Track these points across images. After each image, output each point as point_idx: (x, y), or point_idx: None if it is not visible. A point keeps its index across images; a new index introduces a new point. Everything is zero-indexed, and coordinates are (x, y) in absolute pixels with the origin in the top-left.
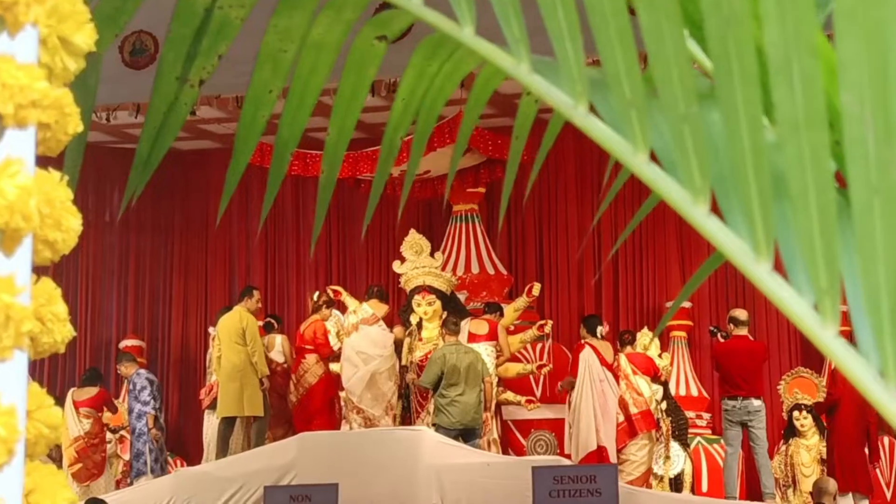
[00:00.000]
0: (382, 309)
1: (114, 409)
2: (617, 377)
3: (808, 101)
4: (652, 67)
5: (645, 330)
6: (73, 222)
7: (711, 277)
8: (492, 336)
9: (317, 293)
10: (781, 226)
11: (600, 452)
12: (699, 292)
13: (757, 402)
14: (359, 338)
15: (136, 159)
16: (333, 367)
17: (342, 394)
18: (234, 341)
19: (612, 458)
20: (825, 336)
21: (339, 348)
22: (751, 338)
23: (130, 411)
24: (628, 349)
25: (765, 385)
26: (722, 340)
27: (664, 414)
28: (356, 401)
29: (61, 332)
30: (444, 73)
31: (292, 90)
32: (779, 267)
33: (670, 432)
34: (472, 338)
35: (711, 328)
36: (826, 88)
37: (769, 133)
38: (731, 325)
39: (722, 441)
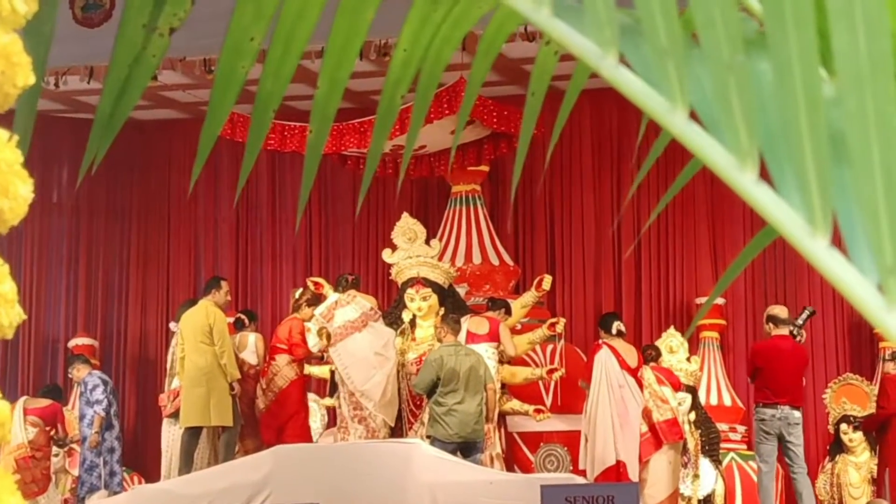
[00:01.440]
0: (372, 301)
1: (63, 430)
2: (641, 383)
3: (872, 48)
4: (692, 10)
5: (671, 331)
6: (23, 189)
7: (748, 270)
8: (493, 336)
9: (299, 290)
10: (841, 194)
11: (619, 468)
12: (733, 287)
13: (797, 414)
14: (370, 336)
15: (97, 119)
16: (313, 370)
17: (334, 401)
18: (200, 340)
19: (633, 476)
20: (892, 322)
21: (322, 349)
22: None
23: (81, 417)
24: (651, 364)
25: (804, 394)
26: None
27: (692, 426)
28: (372, 407)
29: (9, 314)
30: (451, 18)
31: (276, 36)
32: (838, 242)
33: (699, 447)
34: (471, 338)
35: (792, 328)
36: (894, 33)
37: (827, 86)
38: (770, 325)
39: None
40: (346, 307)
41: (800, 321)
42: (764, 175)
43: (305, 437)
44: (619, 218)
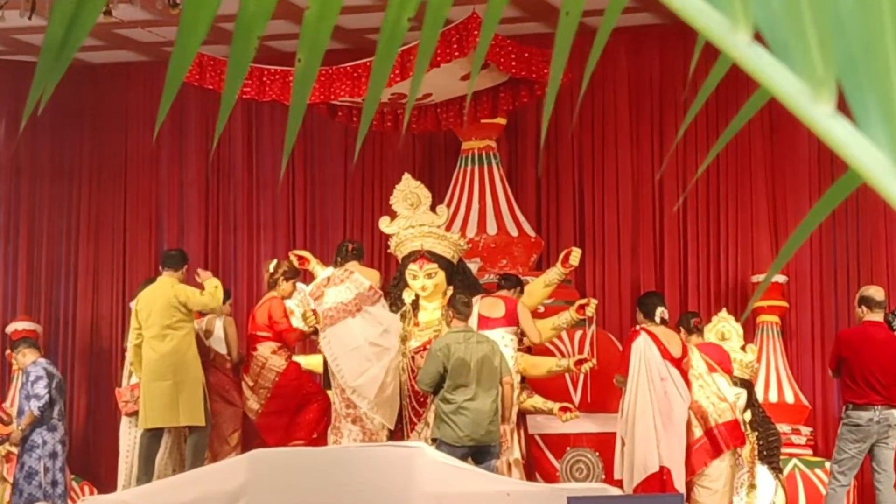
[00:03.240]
0: (375, 276)
1: (6, 420)
2: (686, 375)
3: None
4: None
5: (723, 314)
6: None
7: (815, 243)
8: (510, 319)
9: (273, 263)
10: None
11: (662, 476)
12: (797, 263)
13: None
14: (364, 322)
15: (44, 48)
16: (301, 360)
17: (332, 395)
18: (165, 324)
19: (679, 485)
20: None
21: (311, 330)
22: None
23: (20, 413)
24: (697, 339)
25: None
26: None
27: (748, 427)
28: (366, 407)
29: None
30: None
31: None
32: None
33: (756, 452)
34: (484, 322)
35: (889, 315)
36: None
37: None
38: (864, 308)
39: (828, 465)
40: (340, 286)
41: None
42: (842, 107)
43: (320, 431)
44: (661, 172)
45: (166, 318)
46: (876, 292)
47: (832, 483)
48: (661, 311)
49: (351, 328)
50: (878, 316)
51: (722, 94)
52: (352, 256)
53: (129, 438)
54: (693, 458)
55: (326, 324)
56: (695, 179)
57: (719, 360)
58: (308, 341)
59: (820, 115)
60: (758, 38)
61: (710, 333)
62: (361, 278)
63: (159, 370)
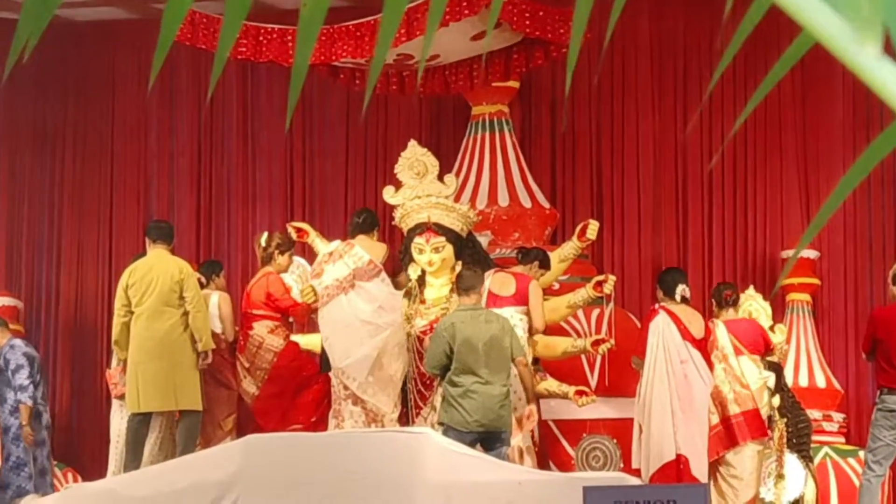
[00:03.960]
0: (379, 250)
1: None
2: (708, 357)
3: None
4: None
5: (750, 292)
6: None
7: (848, 217)
8: (521, 298)
9: (264, 236)
10: None
11: (679, 465)
12: (830, 238)
13: None
14: (357, 299)
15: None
16: (300, 339)
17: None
18: (165, 301)
19: (699, 475)
20: None
21: (309, 304)
22: None
23: (2, 402)
24: (728, 313)
25: None
26: None
27: (777, 413)
28: (356, 389)
29: None
30: None
31: None
32: None
33: (785, 440)
34: (493, 300)
35: None
36: None
37: None
38: None
39: (861, 454)
40: (339, 261)
41: None
42: (889, 51)
43: (319, 415)
44: (686, 131)
45: (167, 295)
46: None
47: (866, 473)
48: (681, 289)
49: (342, 306)
50: None
51: (751, 57)
52: (358, 229)
53: (119, 422)
54: (709, 446)
55: (324, 302)
56: (722, 148)
57: (752, 339)
58: (308, 319)
59: (865, 59)
60: None
61: (741, 308)
62: (361, 252)
63: (155, 350)
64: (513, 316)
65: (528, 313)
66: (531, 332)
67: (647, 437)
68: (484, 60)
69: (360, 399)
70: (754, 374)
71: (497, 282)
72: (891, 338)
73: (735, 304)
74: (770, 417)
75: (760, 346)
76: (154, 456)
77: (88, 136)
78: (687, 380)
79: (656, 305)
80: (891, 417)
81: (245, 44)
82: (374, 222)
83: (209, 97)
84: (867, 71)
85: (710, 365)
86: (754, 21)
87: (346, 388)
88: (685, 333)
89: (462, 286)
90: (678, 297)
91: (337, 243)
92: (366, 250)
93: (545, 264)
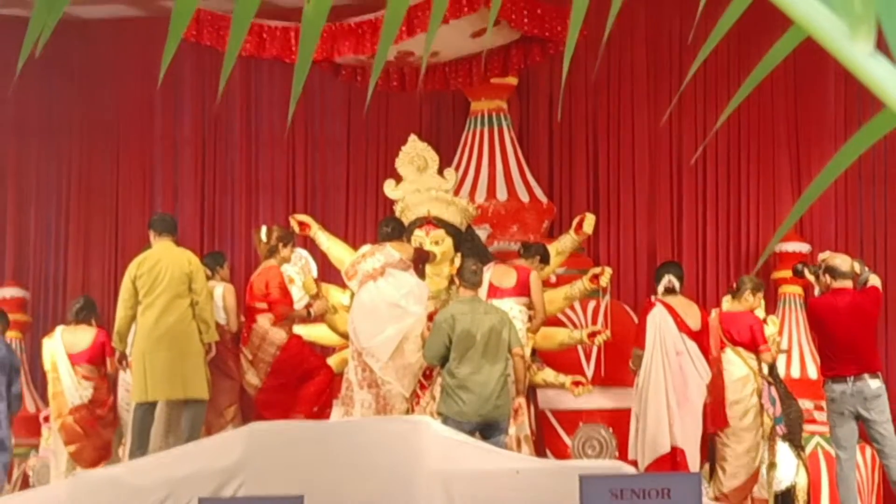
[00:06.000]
0: (409, 249)
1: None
2: (706, 349)
3: None
4: None
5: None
6: None
7: (840, 212)
8: (521, 289)
9: (263, 229)
10: None
11: (675, 458)
12: (823, 231)
13: (875, 384)
14: (386, 284)
15: None
16: (302, 331)
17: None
18: (177, 293)
19: (693, 467)
20: None
21: (308, 305)
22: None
23: None
24: (731, 304)
25: (880, 357)
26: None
27: (766, 403)
28: (377, 369)
29: None
30: None
31: None
32: None
33: (776, 430)
34: (494, 292)
35: (797, 266)
36: None
37: None
38: (828, 278)
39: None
40: (371, 258)
41: None
42: (881, 46)
43: (320, 405)
44: (660, 123)
45: (177, 287)
46: (843, 261)
47: (837, 462)
48: (666, 280)
49: (370, 290)
50: (845, 283)
51: (745, 50)
52: (387, 238)
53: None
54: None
55: (357, 290)
56: (713, 132)
57: (746, 329)
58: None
59: (858, 54)
60: None
61: (741, 297)
62: (392, 251)
63: (164, 340)
64: (513, 308)
65: (528, 305)
66: (534, 324)
67: (643, 429)
68: (483, 57)
69: (375, 383)
70: (736, 366)
71: (498, 274)
72: (821, 329)
73: (739, 293)
74: (762, 406)
75: (753, 341)
76: (159, 444)
77: (95, 127)
78: (682, 372)
79: (653, 298)
80: (834, 405)
81: (249, 40)
82: (402, 230)
83: (219, 97)
84: (860, 67)
85: (707, 355)
86: (734, 17)
87: (364, 370)
88: (681, 325)
89: (469, 281)
90: (661, 288)
91: (368, 246)
92: (396, 251)
93: (546, 259)
